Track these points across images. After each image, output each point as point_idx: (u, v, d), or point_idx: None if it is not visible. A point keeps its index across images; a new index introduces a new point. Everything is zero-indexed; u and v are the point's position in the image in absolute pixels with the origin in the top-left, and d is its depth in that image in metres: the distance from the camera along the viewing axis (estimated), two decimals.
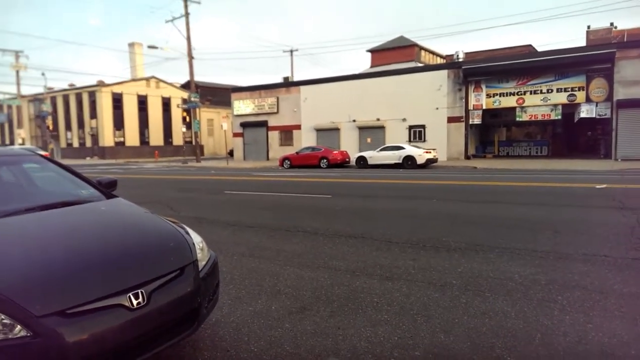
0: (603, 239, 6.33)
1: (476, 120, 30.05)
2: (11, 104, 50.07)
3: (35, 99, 56.79)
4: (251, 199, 12.35)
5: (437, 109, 30.84)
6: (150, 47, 35.72)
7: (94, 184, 4.10)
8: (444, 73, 31.00)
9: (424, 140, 31.30)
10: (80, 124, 55.13)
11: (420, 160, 24.40)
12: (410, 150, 25.05)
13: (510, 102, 28.95)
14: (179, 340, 2.82)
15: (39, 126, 57.36)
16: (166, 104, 57.68)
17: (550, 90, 27.64)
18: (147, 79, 56.08)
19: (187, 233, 3.33)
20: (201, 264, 3.11)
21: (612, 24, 38.81)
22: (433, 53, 49.75)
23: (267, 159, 39.45)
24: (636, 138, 24.69)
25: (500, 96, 29.26)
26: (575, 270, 4.92)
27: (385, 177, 18.56)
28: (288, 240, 6.85)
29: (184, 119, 42.01)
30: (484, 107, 29.82)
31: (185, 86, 55.71)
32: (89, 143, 54.65)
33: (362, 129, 34.46)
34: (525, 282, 4.56)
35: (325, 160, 27.60)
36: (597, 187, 12.75)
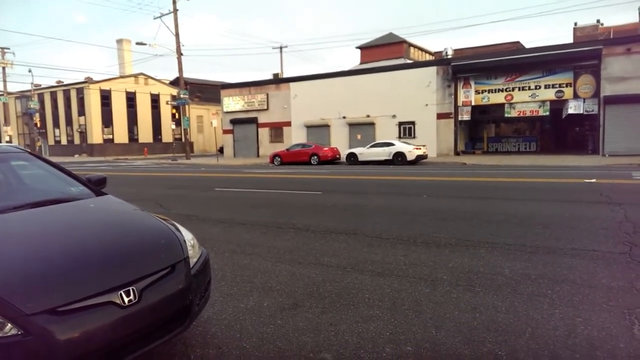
0: (591, 233, 6.40)
1: (465, 116, 30.21)
2: None
3: (22, 96, 56.03)
4: (242, 196, 12.31)
5: (426, 105, 30.95)
6: (138, 43, 35.45)
7: (83, 181, 4.06)
8: (433, 70, 31.11)
9: (414, 137, 31.41)
10: (69, 121, 54.54)
11: (410, 156, 24.48)
12: (400, 146, 25.12)
13: (498, 98, 29.14)
14: (171, 337, 2.81)
15: (27, 123, 56.67)
16: (155, 100, 57.23)
17: (538, 87, 27.86)
18: (136, 76, 55.57)
19: (178, 230, 3.32)
20: (192, 261, 3.10)
21: (598, 20, 39.21)
22: (422, 50, 49.91)
23: (258, 155, 39.36)
24: (623, 134, 24.97)
25: (488, 92, 29.44)
26: (565, 264, 4.97)
27: (375, 174, 18.60)
28: (279, 237, 6.85)
29: (173, 115, 41.86)
30: (473, 104, 29.99)
31: (174, 83, 55.33)
32: (77, 140, 54.09)
33: (352, 125, 34.49)
34: (515, 277, 4.60)
35: (315, 157, 27.60)
36: (586, 181, 12.96)
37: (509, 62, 28.05)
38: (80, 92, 52.16)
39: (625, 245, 5.68)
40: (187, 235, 3.30)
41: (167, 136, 57.20)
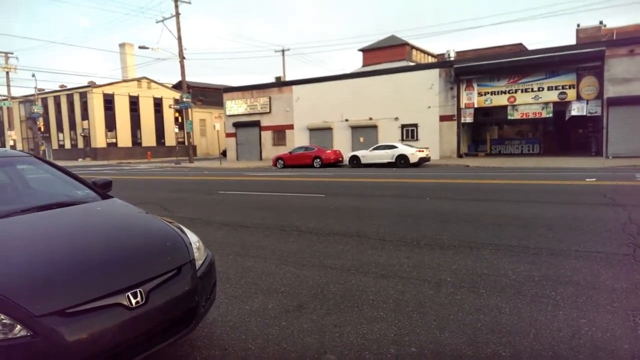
0: (595, 235, 6.40)
1: (468, 118, 30.18)
2: (1, 106, 49.61)
3: (26, 101, 56.34)
4: (245, 199, 12.34)
5: (429, 107, 30.95)
6: (141, 47, 35.57)
7: (89, 184, 4.09)
8: (435, 72, 31.11)
9: (417, 139, 31.41)
10: (72, 125, 54.76)
11: (413, 159, 24.48)
12: (402, 149, 25.13)
13: (501, 100, 29.11)
14: (177, 339, 2.84)
15: (30, 128, 56.90)
16: (158, 104, 57.41)
17: (541, 89, 27.83)
18: (139, 80, 55.78)
19: (184, 232, 3.34)
20: (198, 263, 3.13)
21: (601, 22, 39.09)
22: (424, 52, 49.90)
23: (260, 159, 39.40)
24: (626, 135, 24.91)
25: (491, 95, 29.42)
26: (568, 266, 4.98)
27: (378, 176, 18.61)
28: (283, 239, 6.87)
29: (176, 119, 41.92)
30: (476, 106, 29.97)
31: (177, 87, 55.56)
32: (80, 144, 54.29)
33: (354, 128, 34.52)
34: (519, 279, 4.61)
35: (318, 160, 27.62)
36: (588, 179, 13.12)
37: (512, 64, 28.03)
38: (83, 96, 52.37)
39: (629, 247, 5.68)
40: (193, 238, 3.33)
41: (170, 140, 57.35)
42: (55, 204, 3.51)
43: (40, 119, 48.73)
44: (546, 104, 27.75)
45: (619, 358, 3.00)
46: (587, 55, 25.93)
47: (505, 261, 5.25)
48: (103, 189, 4.16)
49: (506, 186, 13.25)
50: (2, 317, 2.12)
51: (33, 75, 64.26)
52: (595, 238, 6.21)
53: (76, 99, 53.41)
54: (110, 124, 53.09)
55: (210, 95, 60.60)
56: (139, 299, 2.52)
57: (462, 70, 29.61)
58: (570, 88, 27.02)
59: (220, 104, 46.07)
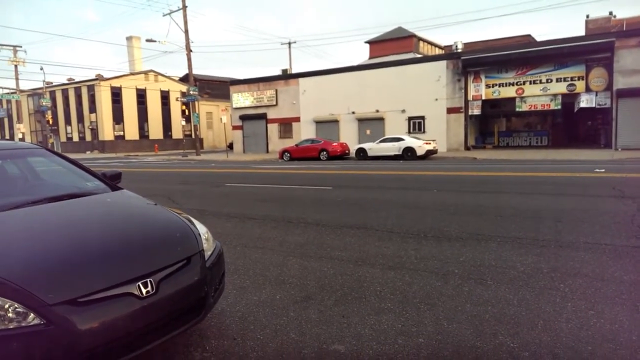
0: (604, 227, 6.37)
1: (476, 110, 29.99)
2: (10, 99, 49.89)
3: (35, 94, 56.63)
4: (253, 191, 12.38)
5: (436, 99, 30.78)
6: (148, 40, 35.55)
7: (99, 176, 4.13)
8: (443, 64, 30.91)
9: (424, 132, 31.28)
10: (80, 118, 55.04)
11: (420, 151, 24.40)
12: (409, 141, 25.05)
13: (509, 92, 28.89)
14: (187, 328, 2.87)
15: (39, 121, 57.25)
16: (165, 97, 57.53)
17: (549, 80, 27.58)
18: (146, 73, 55.88)
19: (193, 224, 3.37)
20: (207, 254, 3.15)
21: (611, 12, 38.65)
22: (432, 44, 49.57)
23: (267, 151, 39.43)
24: (636, 127, 24.62)
25: (499, 86, 29.20)
26: (577, 258, 4.96)
27: (385, 169, 18.59)
28: (290, 231, 6.89)
29: (183, 112, 42.00)
30: (484, 98, 29.77)
31: (184, 79, 55.53)
32: (88, 137, 54.59)
33: (361, 120, 34.42)
34: (527, 271, 4.61)
35: (325, 153, 27.61)
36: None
37: (520, 56, 27.78)
38: (91, 90, 52.59)
39: (638, 239, 5.65)
40: (202, 229, 3.35)
41: (177, 132, 57.52)
42: (66, 195, 3.54)
43: (49, 112, 48.96)
44: (555, 95, 27.51)
45: (628, 349, 2.99)
46: (596, 47, 25.64)
47: (512, 253, 5.24)
48: (112, 181, 4.19)
49: (513, 178, 13.19)
50: (17, 305, 2.16)
51: (41, 69, 64.66)
52: (604, 230, 6.18)
53: (84, 92, 53.65)
54: (118, 117, 53.31)
55: (216, 88, 60.60)
56: (149, 288, 2.55)
57: (470, 61, 29.38)
58: (579, 79, 26.76)
59: (226, 97, 46.07)
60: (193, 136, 39.91)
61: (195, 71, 39.35)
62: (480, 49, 33.12)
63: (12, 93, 45.27)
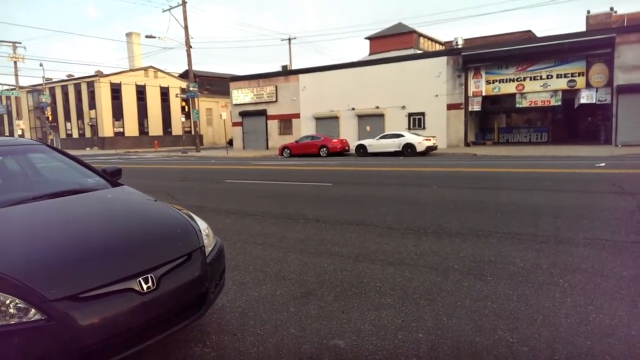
0: (603, 223, 6.38)
1: (476, 107, 29.96)
2: (10, 95, 49.81)
3: (34, 90, 56.50)
4: (252, 188, 12.39)
5: (436, 96, 30.75)
6: (147, 37, 35.52)
7: (99, 172, 4.13)
8: (443, 60, 30.86)
9: (424, 128, 31.26)
10: (80, 115, 54.97)
11: (420, 147, 24.39)
12: (409, 137, 25.04)
13: (509, 88, 28.85)
14: (188, 324, 2.88)
15: (38, 117, 57.17)
16: (165, 93, 57.42)
17: (550, 76, 27.54)
18: (145, 69, 55.75)
19: (193, 219, 3.37)
20: (207, 249, 3.16)
21: (611, 8, 38.59)
22: (432, 40, 49.47)
23: (267, 148, 39.42)
24: (636, 124, 24.57)
25: (499, 82, 29.16)
26: (576, 254, 4.97)
27: (385, 165, 18.59)
28: (290, 227, 6.90)
29: (182, 108, 41.94)
30: (484, 94, 29.72)
31: (184, 76, 55.42)
32: (88, 134, 54.53)
33: (361, 117, 34.39)
34: (526, 266, 4.62)
35: (324, 149, 27.60)
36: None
37: (520, 52, 27.72)
38: (90, 86, 52.50)
39: (638, 235, 5.67)
40: (202, 225, 3.36)
41: (177, 129, 57.42)
42: (66, 192, 3.55)
43: (48, 109, 48.91)
44: (555, 91, 27.47)
45: (627, 343, 3.01)
46: (597, 42, 25.57)
47: (512, 249, 5.25)
48: (113, 177, 4.20)
49: (513, 175, 13.19)
50: (18, 301, 2.17)
51: (41, 65, 64.39)
52: (604, 226, 6.19)
53: (83, 88, 53.56)
54: (118, 113, 53.24)
55: (216, 84, 60.48)
56: (150, 284, 2.56)
57: (470, 57, 29.33)
58: (579, 76, 26.72)
59: (226, 93, 46.03)
60: (193, 133, 39.88)
61: (195, 67, 39.33)
62: (481, 45, 33.11)
63: (11, 89, 45.24)
